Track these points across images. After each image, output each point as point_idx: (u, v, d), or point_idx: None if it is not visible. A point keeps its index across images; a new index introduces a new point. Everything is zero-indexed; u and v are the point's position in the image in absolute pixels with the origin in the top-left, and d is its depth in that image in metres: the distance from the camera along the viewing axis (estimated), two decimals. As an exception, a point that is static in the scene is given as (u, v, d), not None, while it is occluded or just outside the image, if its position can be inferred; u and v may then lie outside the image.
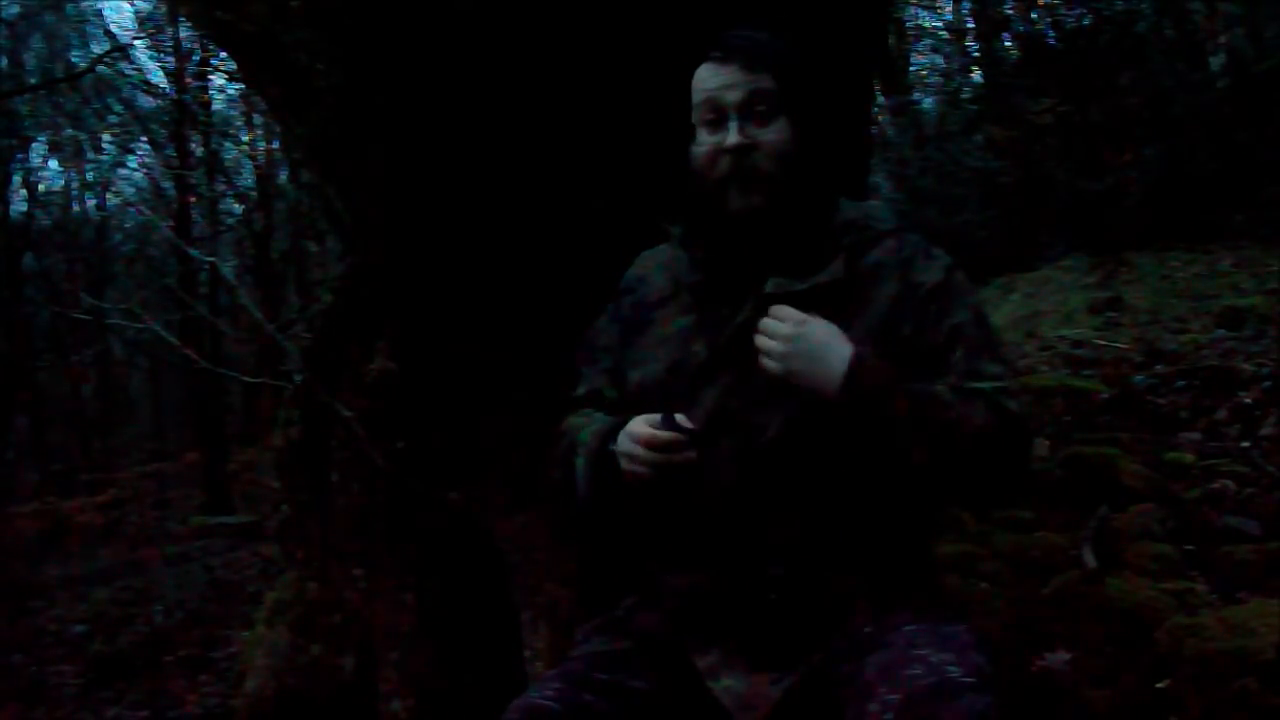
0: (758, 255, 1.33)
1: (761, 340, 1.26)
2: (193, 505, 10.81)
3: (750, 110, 1.32)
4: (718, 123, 1.33)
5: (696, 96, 1.35)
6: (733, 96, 1.32)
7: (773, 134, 1.32)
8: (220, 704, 3.68)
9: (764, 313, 1.28)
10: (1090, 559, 2.46)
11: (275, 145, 11.94)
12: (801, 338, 1.23)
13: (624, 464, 1.28)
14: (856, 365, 1.22)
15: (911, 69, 10.94)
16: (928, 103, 10.29)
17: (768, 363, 1.25)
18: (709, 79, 1.34)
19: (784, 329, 1.24)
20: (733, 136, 1.31)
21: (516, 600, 2.08)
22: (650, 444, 1.24)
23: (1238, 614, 2.08)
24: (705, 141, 1.34)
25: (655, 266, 1.48)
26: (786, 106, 1.33)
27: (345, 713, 2.33)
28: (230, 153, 13.09)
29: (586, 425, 1.38)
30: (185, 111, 11.37)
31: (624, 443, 1.28)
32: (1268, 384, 3.79)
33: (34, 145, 13.81)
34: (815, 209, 1.37)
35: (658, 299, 1.43)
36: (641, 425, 1.26)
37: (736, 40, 1.35)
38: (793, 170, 1.33)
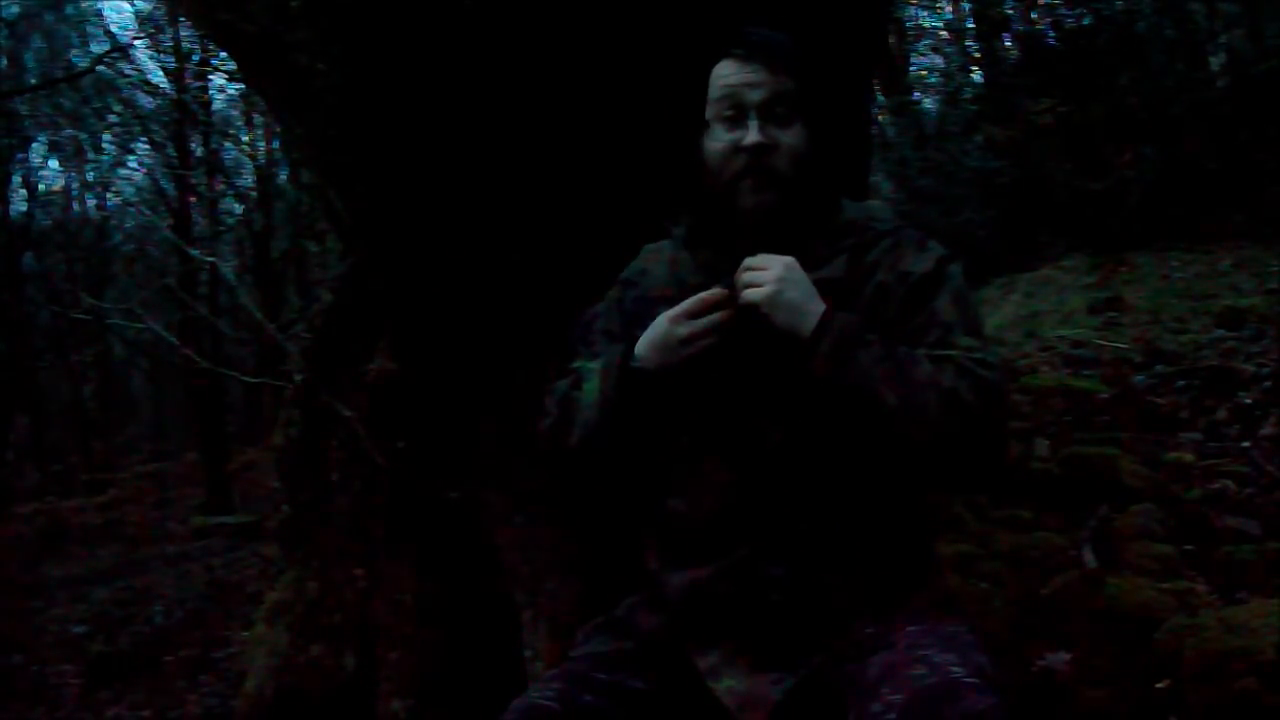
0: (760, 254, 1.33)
1: (751, 274, 1.27)
2: (193, 505, 10.81)
3: (771, 111, 1.32)
4: (737, 120, 1.33)
5: (716, 92, 1.35)
6: (755, 95, 1.32)
7: (791, 136, 1.33)
8: (220, 704, 3.68)
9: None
10: (1090, 559, 2.46)
11: (275, 145, 11.95)
12: (792, 274, 1.26)
13: (676, 348, 1.29)
14: (830, 311, 1.25)
15: (911, 69, 10.95)
16: (928, 103, 10.29)
17: (753, 293, 1.26)
18: (731, 75, 1.34)
19: (776, 266, 1.26)
20: (753, 135, 1.31)
21: (516, 600, 2.08)
22: (705, 304, 1.28)
23: (1238, 614, 2.07)
24: (722, 138, 1.34)
25: (658, 262, 1.48)
26: (804, 109, 1.34)
27: (345, 713, 2.33)
28: (230, 153, 13.09)
29: (584, 373, 1.39)
30: (185, 111, 11.37)
31: (665, 330, 1.30)
32: (1268, 384, 3.79)
33: (34, 145, 13.82)
34: (822, 209, 1.38)
35: (659, 295, 1.42)
36: (677, 309, 1.30)
37: (760, 39, 1.35)
38: (805, 171, 1.33)
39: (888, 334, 1.27)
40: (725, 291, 1.30)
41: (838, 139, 1.40)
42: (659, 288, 1.43)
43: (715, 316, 1.29)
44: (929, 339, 1.27)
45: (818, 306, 1.25)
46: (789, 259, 1.28)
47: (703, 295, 1.29)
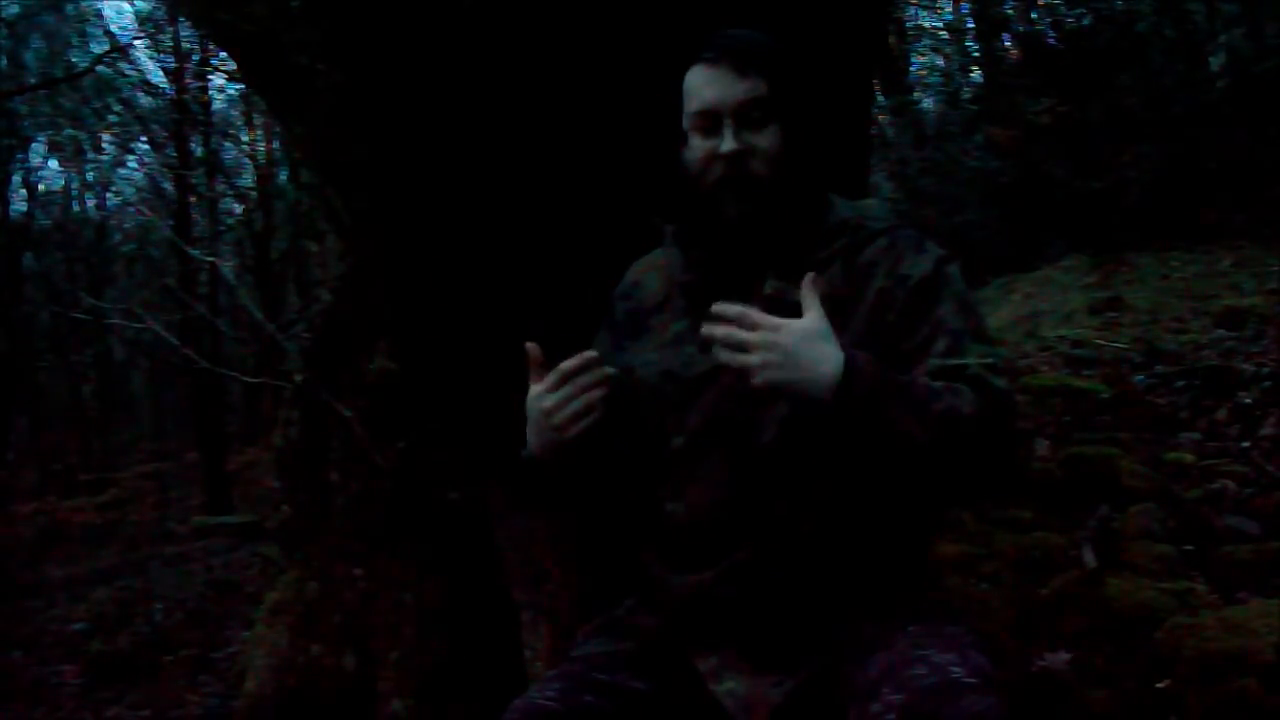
0: (752, 256, 1.33)
1: (736, 355, 1.15)
2: (193, 505, 10.82)
3: (744, 116, 1.29)
4: (711, 128, 1.31)
5: (689, 102, 1.33)
6: (727, 102, 1.29)
7: (766, 139, 1.30)
8: (220, 704, 3.67)
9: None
10: (1090, 559, 2.46)
11: (275, 145, 11.97)
12: (775, 345, 1.13)
13: (544, 422, 1.24)
14: (849, 370, 1.14)
15: (911, 69, 10.95)
16: (928, 103, 10.29)
17: (755, 377, 1.15)
18: (702, 84, 1.32)
19: (754, 337, 1.14)
20: (728, 143, 1.29)
21: (516, 600, 2.08)
22: (563, 374, 1.22)
23: (1238, 614, 2.08)
24: (698, 146, 1.33)
25: (650, 271, 1.47)
26: (779, 111, 1.31)
27: (345, 713, 2.33)
28: (230, 153, 13.13)
29: None
30: (185, 111, 11.38)
31: (531, 407, 1.26)
32: (1268, 384, 3.79)
33: (34, 145, 13.84)
34: (808, 210, 1.36)
35: (653, 304, 1.42)
36: (537, 384, 1.25)
37: (729, 43, 1.32)
38: (785, 174, 1.31)
39: (891, 341, 1.26)
40: (592, 356, 1.20)
41: (821, 134, 1.37)
42: (653, 296, 1.43)
43: (584, 380, 1.21)
44: (938, 347, 1.25)
45: (823, 371, 1.13)
46: (771, 325, 1.13)
47: (562, 365, 1.22)
